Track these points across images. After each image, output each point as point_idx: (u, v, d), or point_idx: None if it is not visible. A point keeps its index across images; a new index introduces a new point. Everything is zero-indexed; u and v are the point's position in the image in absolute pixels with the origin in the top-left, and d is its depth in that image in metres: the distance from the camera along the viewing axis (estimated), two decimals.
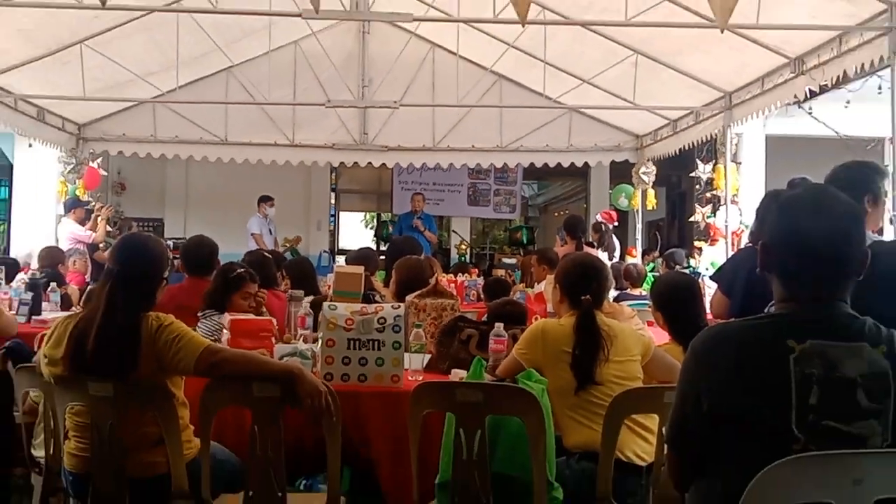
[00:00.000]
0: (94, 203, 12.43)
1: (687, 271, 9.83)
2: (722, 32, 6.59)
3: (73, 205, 11.98)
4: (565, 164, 13.64)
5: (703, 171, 12.02)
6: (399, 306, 4.26)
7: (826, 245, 2.27)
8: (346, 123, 12.93)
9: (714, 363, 2.31)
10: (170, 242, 10.17)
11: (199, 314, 4.46)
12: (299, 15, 7.71)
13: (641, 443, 3.80)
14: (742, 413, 2.22)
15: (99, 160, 12.93)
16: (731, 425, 2.24)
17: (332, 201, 18.29)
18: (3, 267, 8.29)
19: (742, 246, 8.35)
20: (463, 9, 9.08)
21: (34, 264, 9.13)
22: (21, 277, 7.98)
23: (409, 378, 4.11)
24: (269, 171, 13.55)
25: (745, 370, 2.24)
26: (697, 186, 12.58)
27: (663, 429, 3.38)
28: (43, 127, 11.75)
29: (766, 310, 2.37)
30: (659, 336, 4.32)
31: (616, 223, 13.04)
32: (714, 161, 11.58)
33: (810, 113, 10.75)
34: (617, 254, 11.84)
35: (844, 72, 7.98)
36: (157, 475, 3.55)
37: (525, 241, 16.90)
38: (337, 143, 13.08)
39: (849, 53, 7.82)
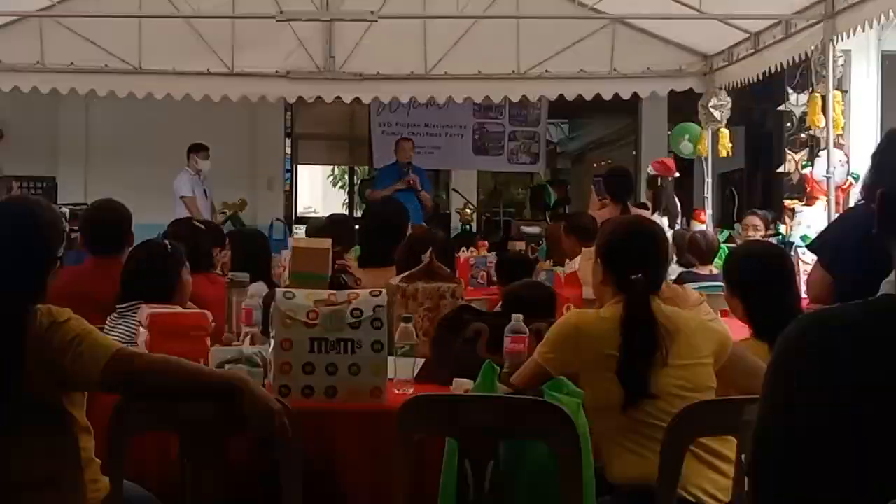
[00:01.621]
0: None
1: (774, 241, 5.02)
2: None
3: None
4: (607, 97, 6.26)
5: (795, 103, 6.09)
6: (380, 293, 2.24)
7: None
8: (306, 43, 5.91)
9: (815, 363, 0.81)
10: (65, 210, 4.36)
11: (116, 307, 2.24)
12: None
13: (713, 476, 1.98)
14: (858, 429, 0.77)
15: None
16: (839, 446, 0.79)
17: (288, 151, 8.92)
18: None
19: (851, 205, 4.40)
20: None
21: None
22: None
23: (396, 391, 2.20)
24: (201, 111, 6.49)
25: (861, 372, 0.78)
26: (788, 125, 6.51)
27: (743, 456, 1.79)
28: None
29: (881, 287, 0.79)
30: (737, 330, 2.27)
31: (677, 175, 6.21)
32: (811, 89, 5.45)
33: None
34: (679, 218, 5.98)
35: None
36: None
37: (552, 204, 8.77)
38: (293, 70, 6.05)
39: None
